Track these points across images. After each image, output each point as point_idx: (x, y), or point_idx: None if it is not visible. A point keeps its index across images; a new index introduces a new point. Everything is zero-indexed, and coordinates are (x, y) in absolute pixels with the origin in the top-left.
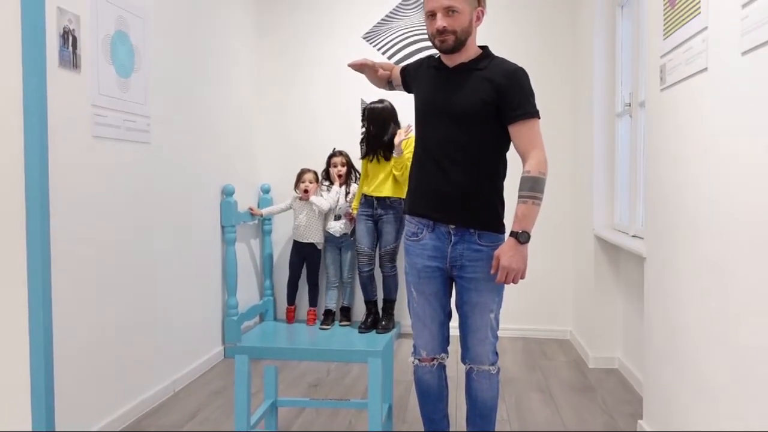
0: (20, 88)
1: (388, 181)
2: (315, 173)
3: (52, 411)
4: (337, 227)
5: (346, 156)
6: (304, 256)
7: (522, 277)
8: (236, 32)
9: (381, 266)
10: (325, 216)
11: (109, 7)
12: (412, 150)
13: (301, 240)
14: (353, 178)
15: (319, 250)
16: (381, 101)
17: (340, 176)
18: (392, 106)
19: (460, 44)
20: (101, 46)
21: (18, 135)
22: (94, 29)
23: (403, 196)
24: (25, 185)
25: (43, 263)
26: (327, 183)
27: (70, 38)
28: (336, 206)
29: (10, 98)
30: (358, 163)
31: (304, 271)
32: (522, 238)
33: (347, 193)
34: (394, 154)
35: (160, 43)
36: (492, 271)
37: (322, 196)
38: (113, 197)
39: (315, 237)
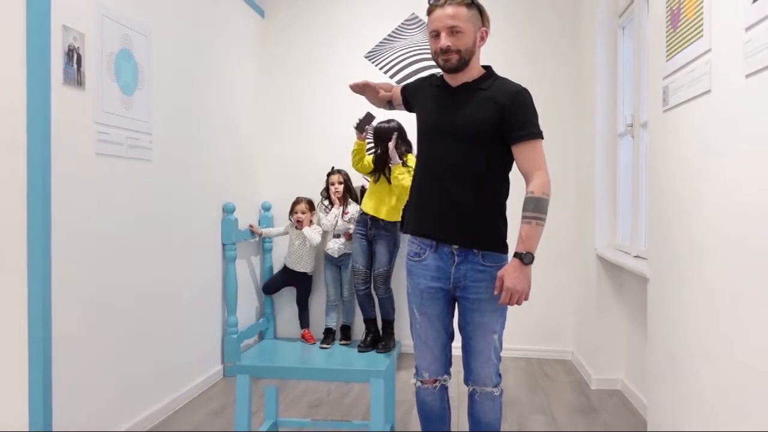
0: (24, 104)
1: (385, 205)
2: (309, 202)
3: (49, 425)
4: (335, 247)
5: (345, 175)
6: (291, 282)
7: (525, 299)
8: (239, 51)
9: (375, 288)
10: (323, 235)
11: (113, 25)
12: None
13: (292, 268)
14: (352, 197)
15: (310, 276)
16: (389, 121)
17: (338, 195)
18: (400, 126)
19: (463, 64)
20: (105, 63)
21: (21, 151)
22: (98, 47)
23: (396, 219)
24: (28, 201)
25: (43, 279)
26: (327, 202)
27: (75, 56)
28: (335, 227)
29: (15, 114)
30: (358, 182)
31: (293, 293)
32: (526, 259)
33: (345, 213)
34: (391, 162)
35: (163, 61)
36: (495, 293)
37: (320, 219)
38: (115, 214)
39: (307, 267)
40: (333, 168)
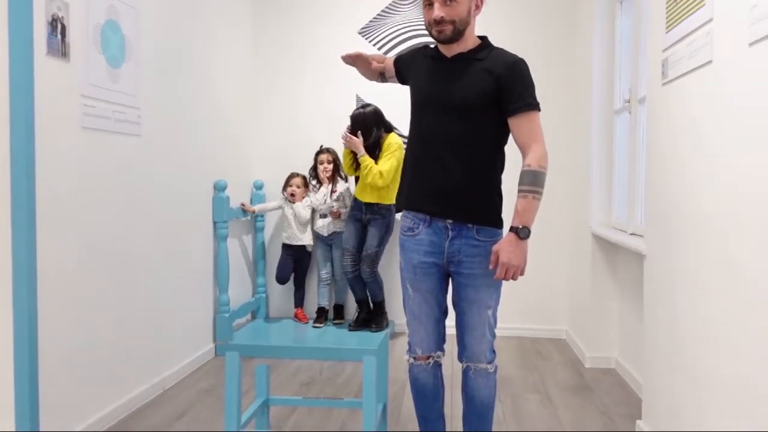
0: (6, 75)
1: (369, 188)
2: (303, 177)
3: (36, 409)
4: (324, 225)
5: (333, 153)
6: (294, 258)
7: (521, 274)
8: (230, 25)
9: (361, 271)
10: (312, 215)
11: None
12: (393, 154)
13: (291, 243)
14: (341, 176)
15: (309, 252)
16: (364, 106)
17: (327, 174)
18: (376, 110)
19: (458, 34)
20: (91, 34)
21: (4, 124)
22: (84, 17)
23: (391, 202)
24: (11, 176)
25: (28, 257)
26: (315, 182)
27: (59, 26)
28: (324, 206)
29: None
30: None
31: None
32: (522, 233)
33: (333, 192)
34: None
35: (152, 34)
36: (491, 267)
37: (309, 197)
38: (102, 190)
39: (305, 239)
40: (321, 147)
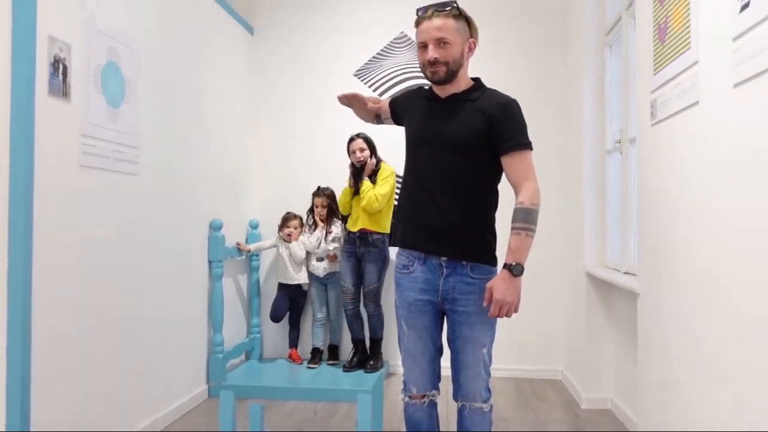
0: (8, 114)
1: (363, 214)
2: (300, 219)
3: None
4: (320, 268)
5: (330, 195)
6: (290, 297)
7: (516, 311)
8: (228, 67)
9: (365, 305)
10: (307, 257)
11: (101, 37)
12: (386, 180)
13: (286, 282)
14: (337, 218)
15: (305, 291)
16: (359, 134)
17: (321, 217)
18: (368, 139)
19: (451, 75)
20: (92, 75)
21: (4, 161)
22: (85, 58)
23: (384, 230)
24: (9, 212)
25: (24, 293)
26: (311, 222)
27: (61, 67)
28: (317, 249)
29: None
30: None
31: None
32: (515, 270)
33: (329, 233)
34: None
35: (151, 74)
36: (485, 304)
37: (303, 238)
38: (99, 228)
39: (300, 278)
40: (318, 188)
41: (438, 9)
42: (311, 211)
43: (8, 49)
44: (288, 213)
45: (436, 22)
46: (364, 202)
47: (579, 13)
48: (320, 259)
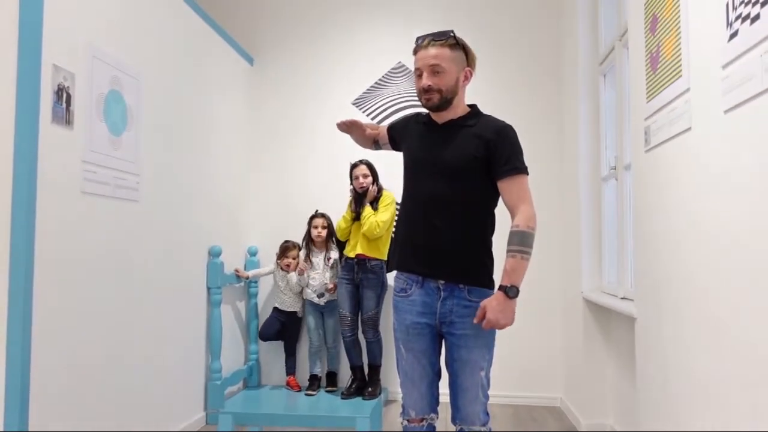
0: (12, 140)
1: (362, 240)
2: (299, 248)
3: None
4: (322, 302)
5: (328, 219)
6: (283, 322)
7: (510, 324)
8: (227, 97)
9: (363, 332)
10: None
11: (104, 66)
12: (387, 207)
13: (281, 308)
14: (334, 243)
15: (300, 318)
16: (362, 161)
17: (321, 238)
18: (371, 165)
19: (445, 102)
20: (95, 103)
21: (7, 186)
22: (88, 87)
23: (382, 257)
24: (11, 236)
25: (24, 318)
26: (307, 250)
27: (65, 95)
28: (320, 287)
29: (2, 150)
30: None
31: (282, 339)
32: (511, 292)
33: (329, 258)
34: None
35: (152, 103)
36: (475, 321)
37: (305, 268)
38: (100, 254)
39: (295, 306)
40: (317, 211)
41: (435, 38)
42: (308, 236)
43: (14, 77)
44: (287, 242)
45: (432, 50)
46: (366, 228)
47: (573, 44)
48: (321, 295)
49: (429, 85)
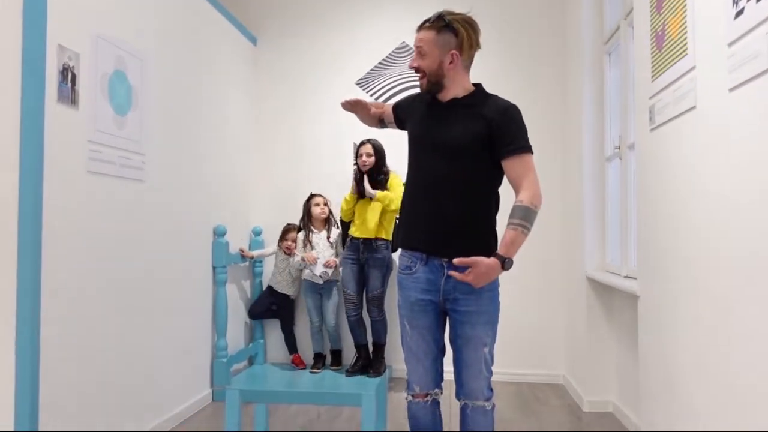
0: (18, 120)
1: (373, 221)
2: (299, 230)
3: None
4: (321, 280)
5: (326, 198)
6: (275, 303)
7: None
8: (233, 75)
9: (368, 311)
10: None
11: (108, 47)
12: (395, 187)
13: (276, 288)
14: (333, 222)
15: (293, 301)
16: (369, 140)
17: (323, 216)
18: (380, 145)
19: (433, 85)
20: (99, 83)
21: (14, 166)
22: (93, 67)
23: (388, 237)
24: (19, 215)
25: (32, 297)
26: (306, 231)
27: (70, 75)
28: (320, 271)
29: (8, 130)
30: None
31: (278, 319)
32: (507, 265)
33: (328, 237)
34: (367, 196)
35: (157, 83)
36: (457, 262)
37: (313, 260)
38: (106, 233)
39: (290, 290)
40: (312, 193)
41: (426, 22)
42: (306, 217)
43: (19, 58)
44: (288, 225)
45: (420, 33)
46: (393, 206)
47: (578, 23)
48: (323, 274)
49: (414, 67)
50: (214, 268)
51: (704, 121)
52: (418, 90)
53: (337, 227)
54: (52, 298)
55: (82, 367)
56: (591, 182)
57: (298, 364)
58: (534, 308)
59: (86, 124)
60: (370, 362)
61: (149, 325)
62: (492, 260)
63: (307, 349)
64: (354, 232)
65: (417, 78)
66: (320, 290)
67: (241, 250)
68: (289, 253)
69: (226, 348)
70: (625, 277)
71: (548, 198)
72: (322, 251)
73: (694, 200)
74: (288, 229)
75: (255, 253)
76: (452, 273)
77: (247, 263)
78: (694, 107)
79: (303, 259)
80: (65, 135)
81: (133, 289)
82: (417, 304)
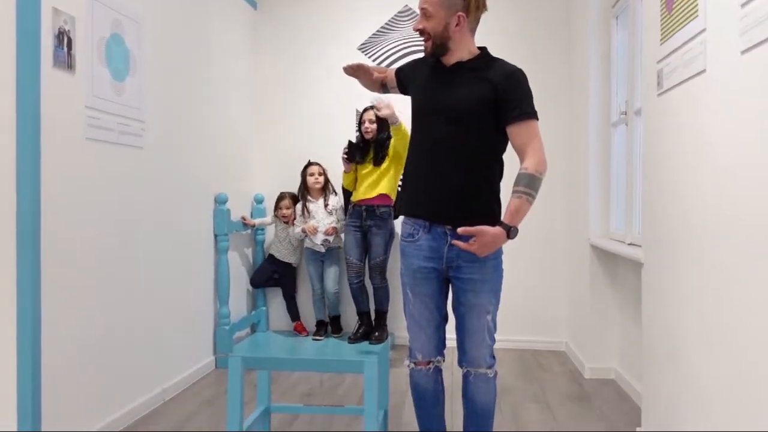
0: (13, 86)
1: (378, 185)
2: (293, 197)
3: (38, 414)
4: (323, 248)
5: (323, 167)
6: (276, 271)
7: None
8: (233, 40)
9: (371, 278)
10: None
11: (104, 9)
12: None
13: (277, 256)
14: (331, 190)
15: (295, 268)
16: (372, 106)
17: (319, 185)
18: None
19: (437, 48)
20: (96, 48)
21: (11, 133)
22: (89, 31)
23: (391, 204)
24: (17, 185)
25: (32, 266)
26: (303, 200)
27: (65, 39)
28: (320, 237)
29: (4, 96)
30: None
31: (279, 286)
32: (512, 234)
33: (327, 205)
34: (391, 122)
35: (155, 48)
36: (461, 231)
37: (313, 231)
38: (105, 201)
39: (291, 258)
40: (309, 161)
41: None
42: (303, 186)
43: (13, 21)
44: (281, 193)
45: None
46: (400, 135)
47: None
48: (324, 242)
49: (419, 29)
50: (215, 235)
51: (714, 86)
52: (421, 54)
53: (335, 194)
54: (50, 267)
55: (82, 335)
56: (596, 148)
57: (300, 331)
58: (537, 275)
59: (83, 90)
60: (373, 329)
61: (151, 293)
62: (497, 229)
63: (309, 316)
64: (355, 196)
65: (420, 42)
66: (322, 258)
67: (243, 218)
68: (286, 221)
69: (228, 315)
70: (629, 244)
71: (552, 164)
72: (321, 220)
73: (702, 167)
74: (281, 197)
75: (257, 221)
76: (456, 242)
77: (249, 231)
78: (704, 71)
79: (303, 231)
80: (62, 101)
81: (135, 258)
82: (419, 272)
